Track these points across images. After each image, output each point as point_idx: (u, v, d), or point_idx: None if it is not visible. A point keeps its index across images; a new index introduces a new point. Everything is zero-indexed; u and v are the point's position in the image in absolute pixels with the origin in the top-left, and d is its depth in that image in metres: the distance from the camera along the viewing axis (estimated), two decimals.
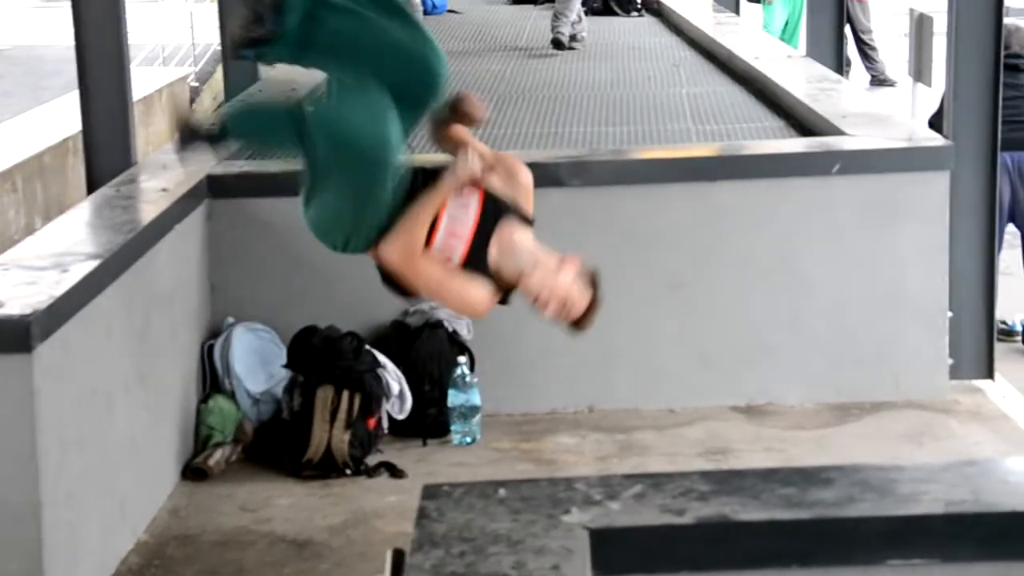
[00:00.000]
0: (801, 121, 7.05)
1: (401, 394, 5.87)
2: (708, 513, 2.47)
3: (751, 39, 9.76)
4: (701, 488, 2.57)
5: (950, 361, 6.15)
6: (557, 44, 9.87)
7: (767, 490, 2.54)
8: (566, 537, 2.43)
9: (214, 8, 9.56)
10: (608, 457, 5.57)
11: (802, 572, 2.43)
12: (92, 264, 4.72)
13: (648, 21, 11.89)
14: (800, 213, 6.06)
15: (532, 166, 6.27)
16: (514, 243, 4.26)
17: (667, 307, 6.06)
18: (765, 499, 2.51)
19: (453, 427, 5.85)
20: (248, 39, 4.04)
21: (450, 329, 6.02)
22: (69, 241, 5.10)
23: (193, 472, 5.55)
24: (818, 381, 6.08)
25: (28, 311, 4.19)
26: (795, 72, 8.26)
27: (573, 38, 10.14)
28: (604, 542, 2.41)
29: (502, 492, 2.67)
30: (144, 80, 11.70)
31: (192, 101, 13.99)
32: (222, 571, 4.74)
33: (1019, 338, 8.43)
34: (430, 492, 2.75)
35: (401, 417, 5.87)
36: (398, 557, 2.65)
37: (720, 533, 2.43)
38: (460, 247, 4.22)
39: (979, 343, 6.33)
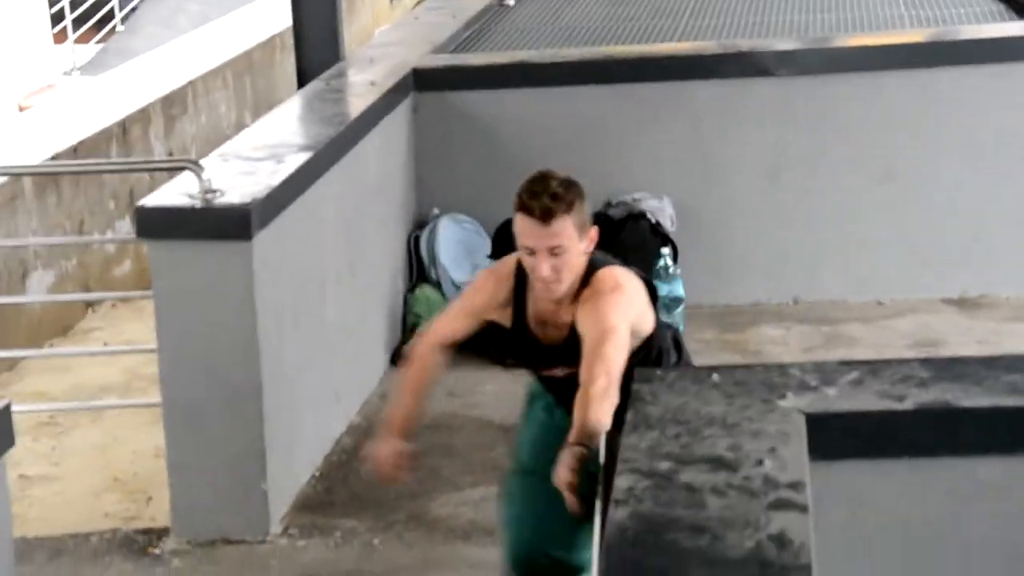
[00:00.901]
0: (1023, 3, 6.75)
1: None
2: (929, 399, 2.43)
3: None
4: (921, 375, 2.53)
5: None
6: None
7: (990, 377, 2.49)
8: (782, 421, 2.43)
9: None
10: (814, 348, 5.52)
11: None
12: (306, 155, 4.83)
13: None
14: (1023, 99, 5.83)
15: (737, 56, 6.20)
16: None
17: (879, 198, 5.94)
18: (988, 386, 2.46)
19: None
20: None
21: (653, 220, 6.00)
22: (284, 133, 5.23)
23: (402, 359, 5.69)
24: None
25: (248, 200, 4.32)
26: None
27: None
28: (821, 427, 2.40)
29: (715, 377, 2.68)
30: None
31: None
32: (433, 453, 4.86)
33: None
34: (644, 376, 2.77)
35: None
36: (611, 438, 2.69)
37: (942, 419, 2.39)
38: None
39: None
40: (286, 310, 4.59)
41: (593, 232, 3.17)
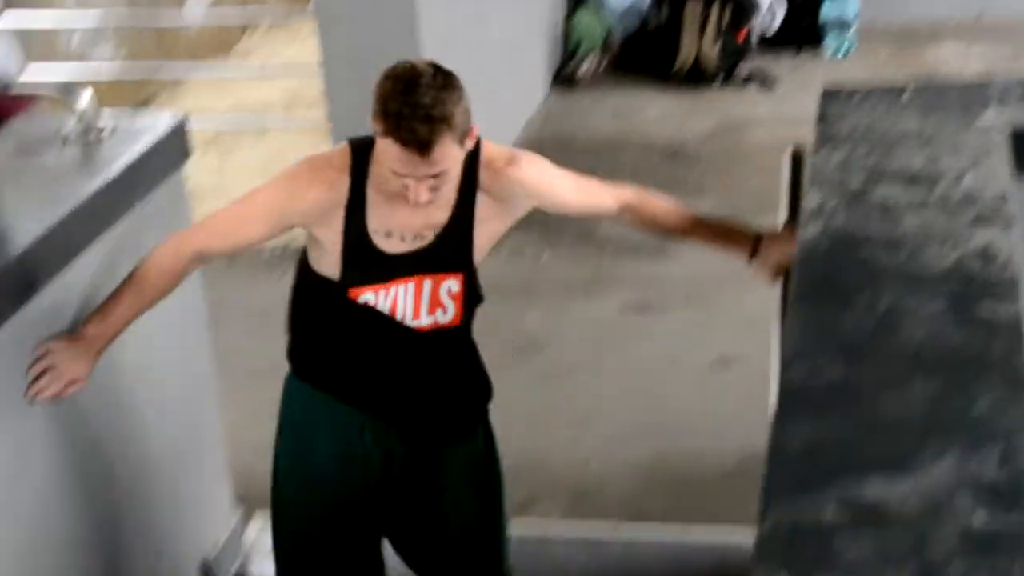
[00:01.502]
0: None
1: (771, 8, 5.67)
2: None
3: None
4: None
5: None
6: None
7: None
8: (983, 137, 2.31)
9: None
10: (998, 67, 5.27)
11: None
12: None
13: None
14: None
15: None
16: None
17: None
18: None
19: (827, 38, 5.65)
20: None
21: None
22: None
23: (564, 80, 5.62)
24: None
25: None
26: None
27: None
28: None
29: (907, 94, 2.55)
30: None
31: None
32: (598, 171, 4.82)
33: None
34: (829, 94, 2.66)
35: (770, 34, 5.71)
36: (796, 156, 2.59)
37: None
38: None
39: None
40: (449, 29, 4.51)
41: (474, 128, 2.34)
